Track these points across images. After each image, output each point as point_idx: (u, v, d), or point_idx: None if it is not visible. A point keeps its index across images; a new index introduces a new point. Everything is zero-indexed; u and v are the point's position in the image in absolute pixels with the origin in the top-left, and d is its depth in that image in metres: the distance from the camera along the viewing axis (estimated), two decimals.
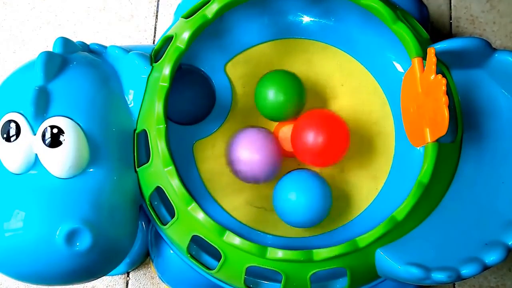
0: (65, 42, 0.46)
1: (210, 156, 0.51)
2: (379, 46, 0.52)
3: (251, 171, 0.49)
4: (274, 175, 0.50)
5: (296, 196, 0.47)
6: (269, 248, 0.42)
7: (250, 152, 0.48)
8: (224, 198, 0.51)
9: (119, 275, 0.55)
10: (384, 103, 0.52)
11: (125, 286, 0.55)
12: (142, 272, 0.55)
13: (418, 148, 0.46)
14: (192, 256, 0.46)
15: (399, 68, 0.52)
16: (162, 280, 0.50)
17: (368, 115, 0.52)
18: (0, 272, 0.44)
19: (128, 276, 0.55)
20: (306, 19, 0.53)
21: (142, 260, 0.54)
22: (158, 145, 0.44)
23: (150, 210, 0.47)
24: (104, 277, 0.55)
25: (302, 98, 0.50)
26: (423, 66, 0.44)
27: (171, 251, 0.48)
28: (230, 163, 0.49)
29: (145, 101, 0.47)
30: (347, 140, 0.48)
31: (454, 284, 0.54)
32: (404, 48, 0.46)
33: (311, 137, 0.47)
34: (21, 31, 0.61)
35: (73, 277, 0.44)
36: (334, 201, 0.50)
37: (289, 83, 0.50)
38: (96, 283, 0.55)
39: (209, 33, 0.50)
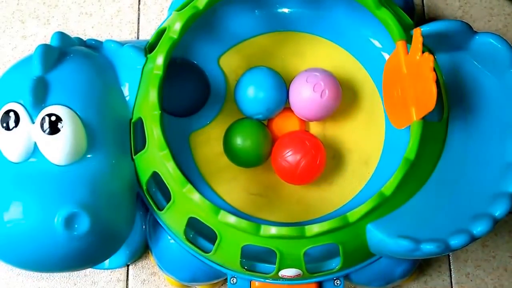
0: (62, 36, 0.48)
1: (205, 146, 0.52)
2: (367, 36, 0.53)
3: None
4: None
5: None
6: (263, 226, 0.42)
7: None
8: (220, 186, 0.52)
9: (119, 269, 0.56)
10: (374, 91, 0.53)
11: (125, 278, 0.56)
12: (140, 265, 0.56)
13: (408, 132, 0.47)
14: (189, 240, 0.47)
15: (388, 57, 0.53)
16: (160, 268, 0.51)
17: (359, 103, 0.53)
18: (1, 259, 0.44)
19: (127, 269, 0.56)
20: (294, 10, 0.54)
21: (142, 252, 0.54)
22: (154, 131, 0.45)
23: (147, 197, 0.48)
24: (104, 271, 0.56)
25: (267, 144, 0.52)
26: (407, 49, 0.45)
27: (169, 238, 0.48)
28: None
29: (140, 91, 0.48)
30: (323, 163, 0.50)
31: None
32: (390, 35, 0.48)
33: (290, 158, 0.49)
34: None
35: (73, 263, 0.45)
36: (327, 186, 0.51)
37: (254, 130, 0.51)
38: (96, 278, 0.56)
39: (202, 27, 0.52)
